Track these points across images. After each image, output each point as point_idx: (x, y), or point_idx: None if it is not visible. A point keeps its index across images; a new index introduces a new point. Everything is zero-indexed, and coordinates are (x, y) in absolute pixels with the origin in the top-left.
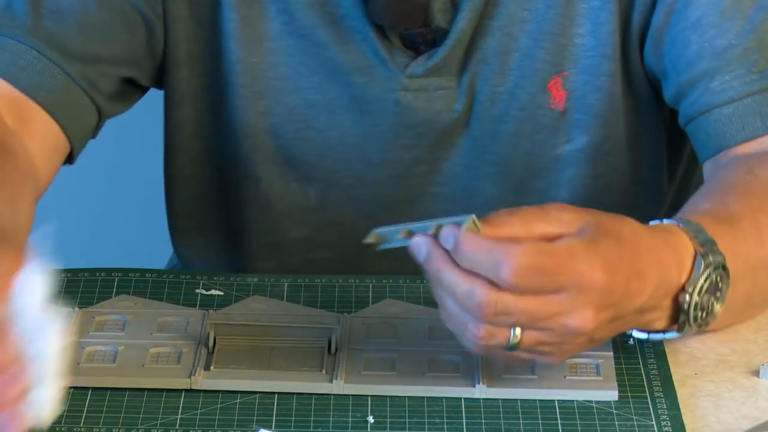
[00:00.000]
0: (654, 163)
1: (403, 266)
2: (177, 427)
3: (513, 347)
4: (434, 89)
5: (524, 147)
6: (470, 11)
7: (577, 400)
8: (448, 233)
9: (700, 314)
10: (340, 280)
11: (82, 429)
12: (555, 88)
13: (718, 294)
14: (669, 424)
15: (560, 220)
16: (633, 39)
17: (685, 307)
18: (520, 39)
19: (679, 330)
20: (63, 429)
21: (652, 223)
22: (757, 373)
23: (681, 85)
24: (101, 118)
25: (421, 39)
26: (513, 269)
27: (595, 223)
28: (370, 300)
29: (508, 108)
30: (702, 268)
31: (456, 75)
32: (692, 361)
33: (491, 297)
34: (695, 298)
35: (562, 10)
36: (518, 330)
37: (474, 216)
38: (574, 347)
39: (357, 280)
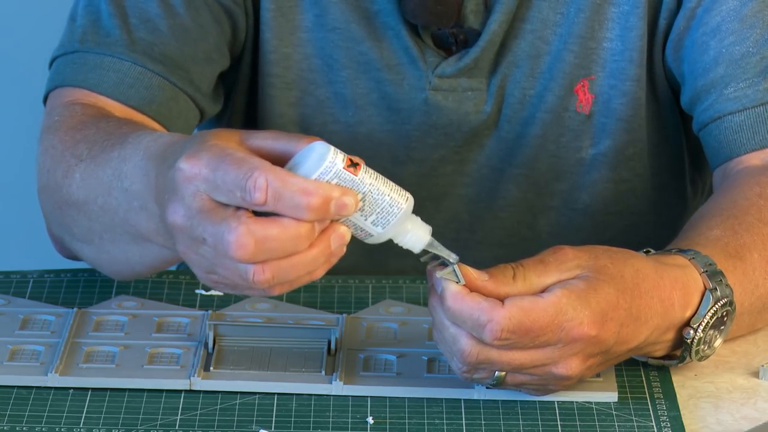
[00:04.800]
0: (676, 169)
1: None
2: (177, 427)
3: (496, 385)
4: (464, 90)
5: (549, 149)
6: (503, 13)
7: (576, 401)
8: (437, 281)
9: (702, 348)
10: (340, 281)
11: (82, 430)
12: (582, 91)
13: (722, 328)
14: (669, 426)
15: (559, 268)
16: (658, 44)
17: (689, 341)
18: (551, 42)
19: (680, 361)
20: (63, 430)
21: (663, 252)
22: (756, 375)
23: (697, 90)
24: (201, 119)
25: (453, 39)
26: (494, 333)
27: (595, 268)
28: (370, 300)
29: (535, 110)
30: (710, 305)
31: (486, 77)
32: (692, 363)
33: (474, 348)
34: (699, 333)
35: (593, 14)
36: (502, 373)
37: (455, 266)
38: (560, 387)
39: (357, 281)
